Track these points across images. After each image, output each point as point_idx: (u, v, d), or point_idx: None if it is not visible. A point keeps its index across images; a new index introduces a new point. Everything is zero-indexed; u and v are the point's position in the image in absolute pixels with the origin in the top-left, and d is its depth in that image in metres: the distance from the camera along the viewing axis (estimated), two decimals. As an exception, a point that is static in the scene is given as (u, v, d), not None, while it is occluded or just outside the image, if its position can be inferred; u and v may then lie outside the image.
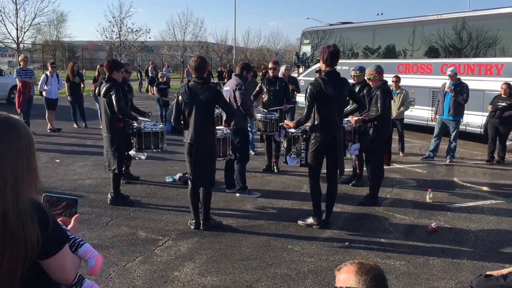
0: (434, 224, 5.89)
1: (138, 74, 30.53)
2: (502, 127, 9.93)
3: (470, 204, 7.05)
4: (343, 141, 6.15)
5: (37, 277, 1.65)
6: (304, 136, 6.27)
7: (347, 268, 1.75)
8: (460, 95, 9.69)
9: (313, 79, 5.88)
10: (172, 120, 5.82)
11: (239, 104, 6.78)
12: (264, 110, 8.22)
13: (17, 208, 1.52)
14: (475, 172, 9.32)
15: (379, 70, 6.83)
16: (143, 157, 7.15)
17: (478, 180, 8.62)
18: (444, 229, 5.88)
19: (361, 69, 7.72)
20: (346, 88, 5.70)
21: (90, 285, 2.00)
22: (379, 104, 6.57)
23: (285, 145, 7.12)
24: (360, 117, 6.79)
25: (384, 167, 7.05)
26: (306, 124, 5.90)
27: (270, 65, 8.81)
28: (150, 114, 7.59)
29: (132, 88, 8.92)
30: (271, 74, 8.57)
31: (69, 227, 1.91)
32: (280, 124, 7.68)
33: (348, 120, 6.96)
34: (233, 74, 7.53)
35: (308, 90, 5.62)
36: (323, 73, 5.73)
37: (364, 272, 1.70)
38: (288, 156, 6.90)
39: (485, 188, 8.02)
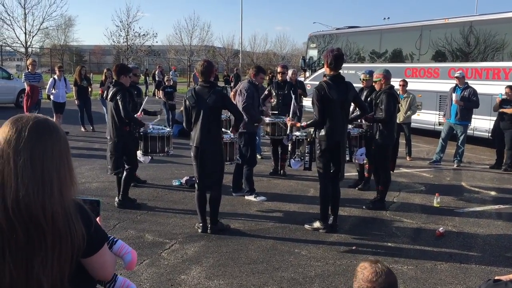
0: (441, 228, 5.86)
1: (145, 77, 30.65)
2: (510, 131, 9.81)
3: (478, 208, 7.01)
4: (346, 145, 6.15)
5: (78, 276, 1.67)
6: (308, 139, 6.27)
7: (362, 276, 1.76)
8: (469, 102, 9.66)
9: (318, 83, 5.88)
10: (184, 125, 5.83)
11: (241, 107, 6.80)
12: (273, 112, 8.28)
13: (64, 207, 1.55)
14: (482, 176, 9.27)
15: (386, 75, 6.81)
16: (146, 161, 7.17)
17: (486, 184, 8.58)
18: (452, 234, 5.85)
19: (371, 73, 7.71)
20: (350, 92, 5.69)
21: (123, 281, 2.04)
22: (383, 109, 6.56)
23: (290, 148, 7.13)
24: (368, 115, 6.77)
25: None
26: (310, 127, 5.91)
27: (279, 69, 8.83)
28: (160, 111, 7.61)
29: (142, 91, 8.97)
30: (279, 78, 8.59)
31: None
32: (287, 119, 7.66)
33: (354, 126, 6.96)
34: (246, 78, 7.58)
35: (314, 94, 5.62)
36: (327, 77, 5.73)
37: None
38: (292, 159, 6.91)
39: (493, 193, 7.97)
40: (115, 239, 1.98)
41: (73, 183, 1.63)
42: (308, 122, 5.93)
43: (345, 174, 6.08)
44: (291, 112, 7.23)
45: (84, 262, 1.67)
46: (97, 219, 1.93)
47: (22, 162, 1.50)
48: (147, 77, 30.75)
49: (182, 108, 5.90)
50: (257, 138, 8.06)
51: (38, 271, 1.51)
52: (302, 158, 6.57)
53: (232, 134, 6.60)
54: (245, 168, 7.11)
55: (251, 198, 7.06)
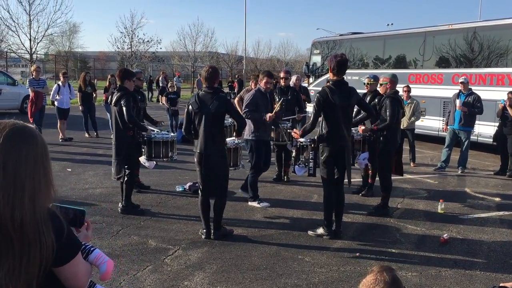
0: (446, 235, 5.83)
1: (149, 84, 30.72)
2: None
3: (482, 215, 6.97)
4: (351, 150, 6.13)
5: (50, 285, 1.66)
6: (312, 145, 6.26)
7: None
8: (473, 108, 9.64)
9: (321, 88, 5.88)
10: (183, 130, 5.85)
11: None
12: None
13: (34, 216, 1.54)
14: (487, 182, 9.23)
15: (393, 80, 6.82)
16: (151, 166, 7.16)
17: (490, 191, 8.54)
18: (456, 240, 5.82)
19: (375, 78, 7.71)
20: (353, 97, 5.69)
21: None
22: (388, 114, 6.55)
23: (294, 154, 7.12)
24: (368, 127, 6.78)
25: (395, 177, 7.01)
26: (314, 133, 5.90)
27: (282, 75, 8.81)
28: (162, 123, 7.63)
29: (146, 96, 9.00)
30: (283, 84, 8.58)
31: (78, 234, 1.93)
32: (288, 130, 7.67)
33: (357, 130, 6.94)
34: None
35: (315, 99, 5.62)
36: (330, 82, 5.72)
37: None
38: (296, 166, 6.90)
39: (497, 199, 7.93)
40: (92, 248, 1.95)
41: (49, 191, 1.62)
42: (302, 129, 5.94)
43: (351, 180, 6.07)
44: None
45: (56, 271, 1.66)
46: (83, 226, 1.91)
47: None
48: (152, 84, 30.85)
49: None
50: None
51: (4, 278, 1.50)
52: (307, 164, 6.56)
53: (236, 139, 6.62)
54: (250, 174, 7.11)
55: (254, 204, 7.05)
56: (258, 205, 7.01)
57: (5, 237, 1.51)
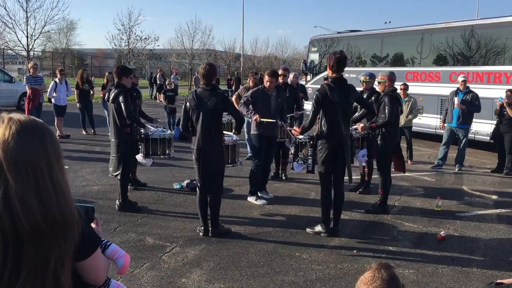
0: (443, 232, 5.84)
1: (150, 82, 30.58)
2: (509, 135, 9.77)
3: (479, 212, 6.99)
4: (350, 148, 6.13)
5: (72, 280, 1.66)
6: (311, 142, 6.26)
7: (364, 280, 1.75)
8: (471, 106, 9.66)
9: (320, 86, 5.87)
10: (180, 127, 5.84)
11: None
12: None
13: (70, 212, 1.53)
14: (484, 180, 9.25)
15: (392, 77, 6.81)
16: (148, 164, 7.14)
17: (487, 188, 8.56)
18: (453, 238, 5.83)
19: (371, 76, 7.69)
20: (352, 95, 5.69)
21: (116, 285, 2.02)
22: (386, 111, 6.55)
23: (292, 151, 7.12)
24: (367, 124, 6.78)
25: (393, 174, 7.01)
26: (313, 130, 5.90)
27: (280, 72, 8.76)
28: (157, 120, 7.63)
29: (141, 94, 8.97)
30: (281, 81, 8.54)
31: None
32: (288, 128, 7.66)
33: (356, 128, 6.94)
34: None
35: (314, 96, 5.62)
36: (329, 79, 5.71)
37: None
38: (295, 162, 6.90)
39: (494, 197, 7.95)
40: (108, 243, 1.96)
41: (68, 185, 1.62)
42: (300, 127, 5.95)
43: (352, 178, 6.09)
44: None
45: (77, 266, 1.66)
46: (93, 222, 1.92)
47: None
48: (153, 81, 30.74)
49: None
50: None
51: (56, 271, 1.49)
52: (305, 161, 6.56)
53: (235, 136, 6.62)
54: (251, 168, 7.13)
55: (252, 200, 7.05)
56: (255, 202, 7.01)
57: (39, 236, 1.48)
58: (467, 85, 10.06)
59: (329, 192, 5.77)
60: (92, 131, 13.55)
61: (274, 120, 6.99)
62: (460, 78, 10.04)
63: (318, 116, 5.70)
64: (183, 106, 5.68)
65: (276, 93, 7.21)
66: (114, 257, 1.94)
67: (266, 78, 7.10)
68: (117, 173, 6.44)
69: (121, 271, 1.97)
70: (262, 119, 6.80)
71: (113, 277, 2.13)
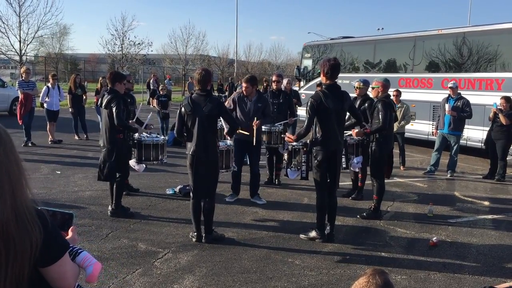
0: (435, 238, 5.86)
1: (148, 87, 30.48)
2: (501, 141, 9.82)
3: (471, 218, 7.02)
4: (342, 154, 6.15)
5: (38, 287, 1.64)
6: (305, 149, 6.27)
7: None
8: (462, 113, 9.72)
9: (314, 92, 5.89)
10: (175, 132, 5.83)
11: None
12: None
13: (18, 212, 1.52)
14: (476, 186, 9.30)
15: (386, 84, 6.84)
16: (141, 170, 7.10)
17: (479, 194, 8.60)
18: (445, 244, 5.85)
19: (365, 83, 7.72)
20: (346, 101, 5.71)
21: None
22: (380, 117, 6.57)
23: (286, 158, 7.12)
24: (361, 130, 6.80)
25: (387, 181, 7.03)
26: (307, 136, 5.90)
27: (273, 78, 8.80)
28: (151, 126, 7.59)
29: (135, 99, 8.94)
30: (274, 87, 8.57)
31: (67, 238, 1.91)
32: (282, 135, 7.69)
33: (350, 134, 6.96)
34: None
35: (309, 103, 5.62)
36: (323, 86, 5.73)
37: None
38: (288, 169, 6.90)
39: (486, 203, 8.00)
40: (79, 250, 1.94)
41: (26, 184, 1.59)
42: (296, 134, 5.95)
43: (339, 183, 6.09)
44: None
45: (44, 271, 1.65)
46: (70, 229, 1.90)
47: None
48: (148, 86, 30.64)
49: None
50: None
51: None
52: (299, 167, 6.56)
53: (229, 141, 6.65)
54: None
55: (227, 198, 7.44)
56: (226, 198, 7.39)
57: None
58: (459, 91, 10.13)
59: (324, 198, 5.77)
60: (85, 136, 13.49)
61: (248, 134, 7.04)
62: (449, 85, 10.10)
63: (305, 122, 5.72)
64: (178, 111, 5.66)
65: (257, 97, 7.33)
66: (84, 265, 1.92)
67: (243, 83, 7.39)
68: (110, 179, 6.38)
69: (89, 279, 1.94)
70: (240, 131, 6.85)
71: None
